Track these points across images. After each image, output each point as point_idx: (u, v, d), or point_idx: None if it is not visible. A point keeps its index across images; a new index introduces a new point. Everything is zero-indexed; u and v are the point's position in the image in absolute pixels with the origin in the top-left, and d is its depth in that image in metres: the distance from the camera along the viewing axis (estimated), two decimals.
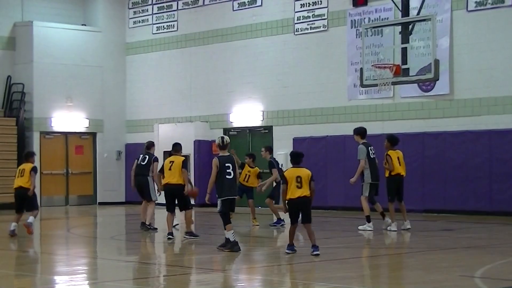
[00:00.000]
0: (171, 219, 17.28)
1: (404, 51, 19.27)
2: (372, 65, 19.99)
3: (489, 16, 22.69)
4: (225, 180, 14.76)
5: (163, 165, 17.39)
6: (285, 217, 19.85)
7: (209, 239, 16.97)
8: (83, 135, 30.79)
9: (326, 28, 25.95)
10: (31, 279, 12.67)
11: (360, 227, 18.52)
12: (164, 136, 28.57)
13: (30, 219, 18.36)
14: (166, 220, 17.35)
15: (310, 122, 26.10)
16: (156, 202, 19.31)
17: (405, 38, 19.30)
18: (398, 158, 18.41)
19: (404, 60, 19.20)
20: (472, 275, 11.81)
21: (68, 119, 30.14)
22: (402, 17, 19.79)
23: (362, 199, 18.51)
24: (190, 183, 17.67)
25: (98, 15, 31.25)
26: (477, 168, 22.55)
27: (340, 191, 24.31)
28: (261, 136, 27.47)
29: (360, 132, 18.93)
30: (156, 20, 30.73)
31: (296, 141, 25.82)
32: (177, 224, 20.18)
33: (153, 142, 20.45)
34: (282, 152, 26.29)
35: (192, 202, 17.82)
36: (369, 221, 18.44)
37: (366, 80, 20.03)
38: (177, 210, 17.42)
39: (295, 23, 26.64)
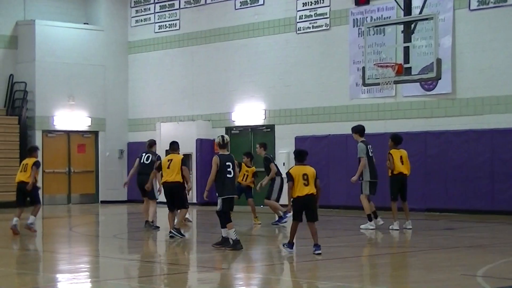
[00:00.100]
0: (172, 218, 17.30)
1: (406, 50, 19.27)
2: (374, 64, 19.98)
3: (491, 15, 22.68)
4: (226, 179, 14.77)
5: (161, 164, 17.38)
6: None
7: (210, 238, 16.96)
8: (85, 133, 30.80)
9: (328, 27, 25.95)
10: (34, 277, 12.67)
11: (362, 226, 18.53)
12: (166, 135, 28.55)
13: (31, 219, 18.45)
14: (168, 218, 17.39)
15: (312, 121, 26.10)
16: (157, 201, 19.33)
17: (407, 37, 19.30)
18: (401, 157, 18.40)
19: (406, 59, 19.20)
20: (474, 274, 11.81)
21: (70, 118, 30.16)
22: (404, 16, 19.78)
23: (362, 197, 18.53)
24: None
25: (100, 14, 31.26)
26: (479, 167, 22.54)
27: (342, 190, 24.30)
28: (263, 135, 27.46)
29: (359, 130, 18.96)
30: (158, 19, 30.74)
31: (298, 140, 25.82)
32: (190, 221, 20.23)
33: (154, 141, 20.45)
34: (284, 151, 26.34)
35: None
36: (370, 220, 18.45)
37: (368, 79, 20.02)
38: (188, 207, 17.48)
39: (297, 22, 26.64)
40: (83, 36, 30.65)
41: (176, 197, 17.07)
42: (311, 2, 26.30)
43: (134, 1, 31.49)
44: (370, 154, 18.55)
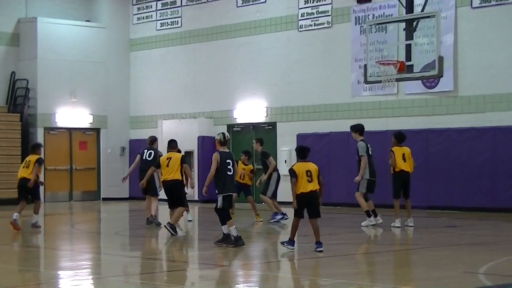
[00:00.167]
0: (173, 215, 17.27)
1: (408, 48, 19.26)
2: (376, 62, 19.97)
3: (493, 13, 22.66)
4: (226, 176, 14.80)
5: (159, 161, 17.30)
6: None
7: (211, 235, 16.97)
8: (87, 131, 30.81)
9: (330, 25, 25.94)
10: (35, 274, 12.69)
11: (362, 223, 18.54)
12: (168, 132, 28.56)
13: (34, 218, 18.67)
14: (169, 216, 17.38)
15: (314, 119, 26.10)
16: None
17: (409, 35, 19.28)
18: (403, 154, 18.40)
19: (408, 56, 19.19)
20: (476, 271, 11.80)
21: (72, 115, 30.17)
22: (406, 13, 19.77)
23: (357, 195, 18.58)
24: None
25: (102, 11, 31.26)
26: (481, 165, 22.53)
27: (344, 188, 24.28)
28: (265, 132, 27.46)
29: (359, 129, 19.00)
30: (160, 17, 30.74)
31: (300, 137, 25.81)
32: (190, 221, 20.24)
33: (156, 137, 20.45)
34: (285, 149, 26.35)
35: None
36: (369, 216, 18.50)
37: (370, 76, 20.01)
38: (186, 206, 17.47)
39: (299, 20, 26.64)
40: (85, 34, 30.65)
41: (175, 196, 17.04)
42: None
43: None
44: (370, 153, 18.60)
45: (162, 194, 18.36)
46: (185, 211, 20.00)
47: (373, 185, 18.61)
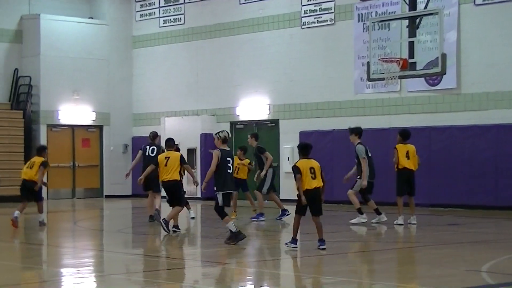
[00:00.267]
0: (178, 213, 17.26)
1: (411, 45, 19.23)
2: (379, 59, 19.96)
3: (496, 10, 22.63)
4: (226, 174, 14.85)
5: (157, 160, 17.21)
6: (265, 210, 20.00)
7: (214, 233, 16.98)
8: (89, 128, 30.82)
9: (333, 22, 25.92)
10: (38, 272, 12.70)
11: (352, 221, 18.55)
12: (170, 129, 28.58)
13: (41, 217, 18.78)
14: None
15: (316, 116, 26.09)
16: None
17: (412, 32, 19.26)
18: (408, 152, 18.41)
19: (411, 54, 19.16)
20: (478, 269, 11.79)
21: (75, 112, 30.18)
22: (409, 10, 19.75)
23: (350, 193, 18.62)
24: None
25: (105, 8, 31.25)
26: (483, 163, 22.51)
27: (347, 185, 24.17)
28: (267, 130, 27.46)
29: (359, 132, 19.01)
30: (163, 14, 30.73)
31: (303, 134, 25.80)
32: (193, 219, 20.24)
33: (157, 132, 20.42)
34: (288, 146, 26.33)
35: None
36: (361, 213, 18.52)
37: (373, 74, 20.00)
38: (184, 206, 17.45)
39: (302, 17, 26.61)
40: (87, 31, 30.65)
41: (173, 195, 17.00)
42: None
43: None
44: (369, 154, 18.65)
45: (164, 191, 18.34)
46: (187, 209, 20.07)
47: (371, 186, 18.65)
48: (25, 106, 29.35)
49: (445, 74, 19.69)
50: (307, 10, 26.50)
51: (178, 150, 17.82)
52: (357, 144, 18.73)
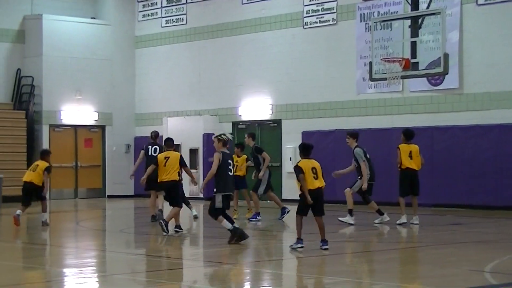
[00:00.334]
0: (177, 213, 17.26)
1: (413, 45, 19.21)
2: (381, 59, 19.93)
3: (499, 10, 22.61)
4: (228, 176, 14.91)
5: (157, 159, 17.21)
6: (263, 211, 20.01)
7: (216, 233, 16.98)
8: (92, 128, 30.83)
9: (335, 22, 25.91)
10: (40, 272, 12.70)
11: (341, 219, 18.52)
12: (173, 129, 28.60)
13: (44, 216, 18.86)
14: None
15: (319, 116, 26.09)
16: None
17: (414, 32, 19.24)
18: (410, 152, 18.41)
19: (414, 54, 19.15)
20: (481, 269, 11.79)
21: (77, 112, 30.19)
22: (411, 10, 19.72)
23: (348, 192, 18.59)
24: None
25: (108, 8, 31.26)
26: (486, 163, 22.50)
27: (349, 185, 24.22)
28: (270, 130, 27.46)
29: (356, 135, 19.03)
30: (165, 14, 30.74)
31: (305, 134, 25.80)
32: (196, 217, 20.23)
33: (158, 132, 20.47)
34: (290, 146, 26.31)
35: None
36: (351, 215, 18.52)
37: (375, 74, 19.98)
38: (182, 206, 17.45)
39: (304, 17, 26.61)
40: (90, 31, 30.66)
41: (171, 196, 17.00)
42: None
43: None
44: (368, 156, 18.66)
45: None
46: (189, 208, 20.11)
47: (371, 187, 18.65)
48: (28, 106, 29.37)
49: (447, 74, 19.67)
50: (309, 10, 26.50)
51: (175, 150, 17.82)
52: (355, 147, 18.74)
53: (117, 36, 31.16)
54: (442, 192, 23.16)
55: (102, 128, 31.00)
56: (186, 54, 30.00)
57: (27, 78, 29.64)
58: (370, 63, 20.09)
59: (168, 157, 16.90)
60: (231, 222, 15.01)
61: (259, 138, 27.45)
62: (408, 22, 19.82)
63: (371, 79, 20.43)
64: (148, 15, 31.28)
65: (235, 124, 28.16)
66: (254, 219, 19.71)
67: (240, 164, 19.95)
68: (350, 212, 18.55)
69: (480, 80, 22.82)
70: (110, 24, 31.06)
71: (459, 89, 23.17)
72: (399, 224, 18.25)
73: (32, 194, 18.82)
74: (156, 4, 31.02)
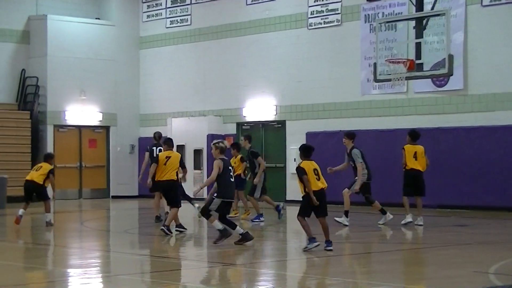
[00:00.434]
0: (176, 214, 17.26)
1: (418, 46, 19.21)
2: (385, 60, 19.94)
3: (503, 11, 22.59)
4: (230, 182, 14.99)
5: (157, 158, 17.22)
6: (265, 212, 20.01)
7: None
8: (96, 128, 30.85)
9: (339, 23, 25.90)
10: (45, 272, 12.71)
11: (338, 219, 18.51)
12: (177, 130, 28.62)
13: (47, 217, 18.91)
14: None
15: (323, 117, 26.08)
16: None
17: (419, 33, 19.24)
18: (415, 153, 18.44)
19: (418, 55, 19.14)
20: (486, 271, 11.77)
21: (82, 113, 30.21)
22: (416, 11, 19.73)
23: (346, 192, 18.59)
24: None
25: (112, 9, 31.29)
26: (490, 164, 22.48)
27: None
28: (274, 131, 27.46)
29: (353, 136, 19.06)
30: (170, 14, 30.75)
31: (309, 135, 25.80)
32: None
33: (161, 133, 20.52)
34: (295, 147, 26.25)
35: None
36: (347, 216, 18.51)
37: (379, 75, 19.97)
38: (182, 206, 17.46)
39: (309, 18, 26.60)
40: (94, 31, 30.69)
41: (170, 195, 17.02)
42: None
43: None
44: (364, 158, 18.69)
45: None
46: (193, 205, 20.16)
47: (369, 186, 18.68)
48: (32, 107, 29.40)
49: (452, 75, 19.67)
50: (313, 11, 26.49)
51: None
52: (352, 148, 18.74)
53: (122, 37, 31.18)
54: (446, 193, 23.14)
55: (106, 128, 31.02)
56: (191, 54, 30.00)
57: (31, 79, 29.66)
58: (375, 64, 20.09)
59: (170, 157, 16.99)
60: (234, 227, 15.00)
61: (264, 139, 27.46)
62: (413, 23, 19.82)
63: (376, 80, 20.42)
64: (153, 16, 31.30)
65: (239, 125, 28.16)
66: (257, 220, 19.72)
67: (237, 165, 19.97)
68: (346, 213, 18.56)
69: (484, 81, 22.79)
70: (115, 24, 31.08)
71: (463, 90, 23.15)
72: (404, 224, 18.26)
73: (32, 192, 18.91)
74: (161, 5, 31.04)
